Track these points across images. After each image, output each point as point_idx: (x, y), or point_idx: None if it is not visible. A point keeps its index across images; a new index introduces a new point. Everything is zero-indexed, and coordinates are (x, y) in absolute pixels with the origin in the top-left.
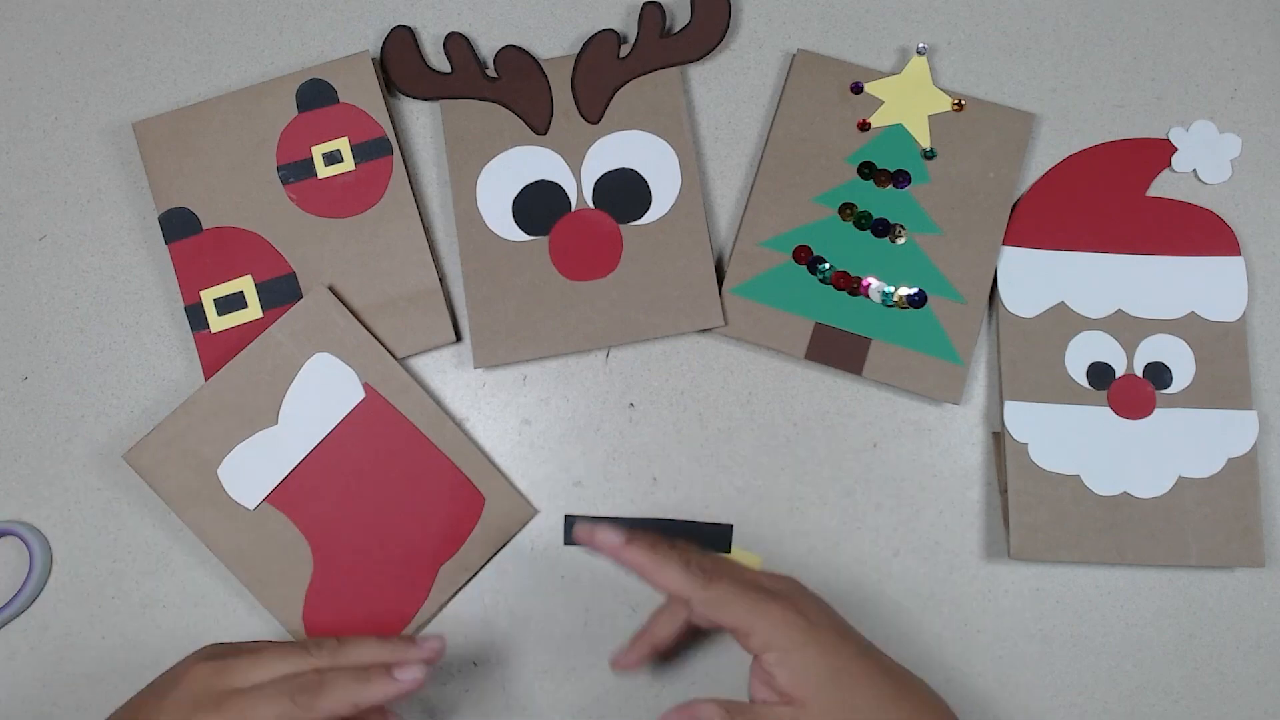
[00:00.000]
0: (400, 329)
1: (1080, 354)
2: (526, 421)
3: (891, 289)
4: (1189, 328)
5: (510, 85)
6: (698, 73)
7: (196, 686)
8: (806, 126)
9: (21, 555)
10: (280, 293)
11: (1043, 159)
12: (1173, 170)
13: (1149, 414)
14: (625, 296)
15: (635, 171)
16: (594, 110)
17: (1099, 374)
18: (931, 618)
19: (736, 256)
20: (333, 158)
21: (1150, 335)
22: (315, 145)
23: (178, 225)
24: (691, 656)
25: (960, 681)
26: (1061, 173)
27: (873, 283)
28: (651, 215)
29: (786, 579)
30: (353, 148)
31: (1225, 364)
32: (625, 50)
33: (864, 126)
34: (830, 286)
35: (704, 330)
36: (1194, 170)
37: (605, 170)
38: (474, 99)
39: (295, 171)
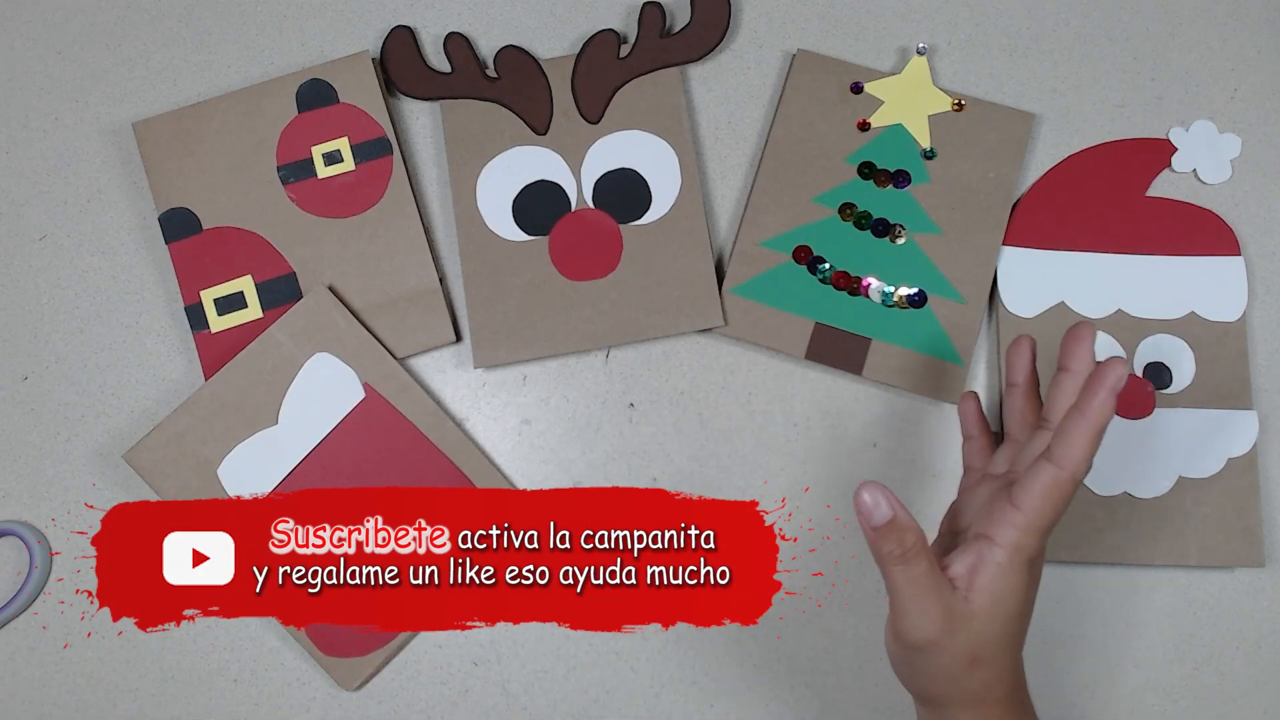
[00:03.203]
0: (400, 329)
1: None
2: (526, 421)
3: (891, 289)
4: (1189, 328)
5: (510, 85)
6: (698, 73)
7: None
8: (806, 126)
9: (21, 555)
10: (280, 293)
11: (1043, 159)
12: (1173, 170)
13: (1149, 414)
14: (625, 296)
15: (635, 171)
16: (594, 110)
17: None
18: None
19: (736, 256)
20: (333, 158)
21: (1150, 335)
22: (315, 145)
23: (178, 225)
24: (695, 656)
25: None
26: (1061, 173)
27: (873, 283)
28: (651, 215)
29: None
30: (353, 148)
31: (1225, 364)
32: (625, 50)
33: (864, 126)
34: (830, 286)
35: (704, 330)
36: (1194, 170)
37: (605, 170)
38: (474, 99)
39: (295, 171)
